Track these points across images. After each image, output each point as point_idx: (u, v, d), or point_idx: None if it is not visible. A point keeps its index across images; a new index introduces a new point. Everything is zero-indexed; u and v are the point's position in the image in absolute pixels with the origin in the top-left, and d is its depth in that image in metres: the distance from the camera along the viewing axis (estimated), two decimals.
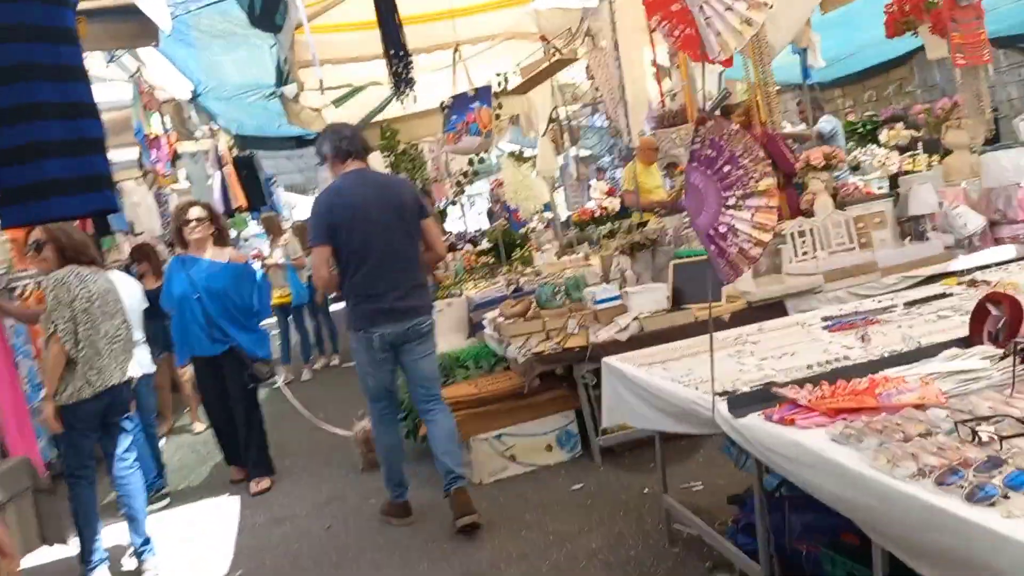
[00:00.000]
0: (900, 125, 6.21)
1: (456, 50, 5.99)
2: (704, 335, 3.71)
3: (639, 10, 5.88)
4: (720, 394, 2.56)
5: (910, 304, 3.41)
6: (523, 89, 6.19)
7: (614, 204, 7.85)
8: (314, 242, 4.14)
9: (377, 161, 10.14)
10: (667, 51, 5.48)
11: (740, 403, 2.43)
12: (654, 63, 5.78)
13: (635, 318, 4.62)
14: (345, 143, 4.21)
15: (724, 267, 2.41)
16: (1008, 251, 4.72)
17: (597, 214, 9.51)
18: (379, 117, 9.38)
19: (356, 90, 8.06)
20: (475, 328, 6.67)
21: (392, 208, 4.14)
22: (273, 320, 11.30)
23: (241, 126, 8.81)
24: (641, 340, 4.53)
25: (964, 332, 2.79)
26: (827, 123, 8.78)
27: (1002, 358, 2.21)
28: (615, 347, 4.51)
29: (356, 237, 4.07)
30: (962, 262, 4.75)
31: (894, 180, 6.42)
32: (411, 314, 4.17)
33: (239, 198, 9.81)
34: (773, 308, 4.64)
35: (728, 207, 2.36)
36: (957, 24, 4.13)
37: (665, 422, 2.98)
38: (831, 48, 7.63)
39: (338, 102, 8.19)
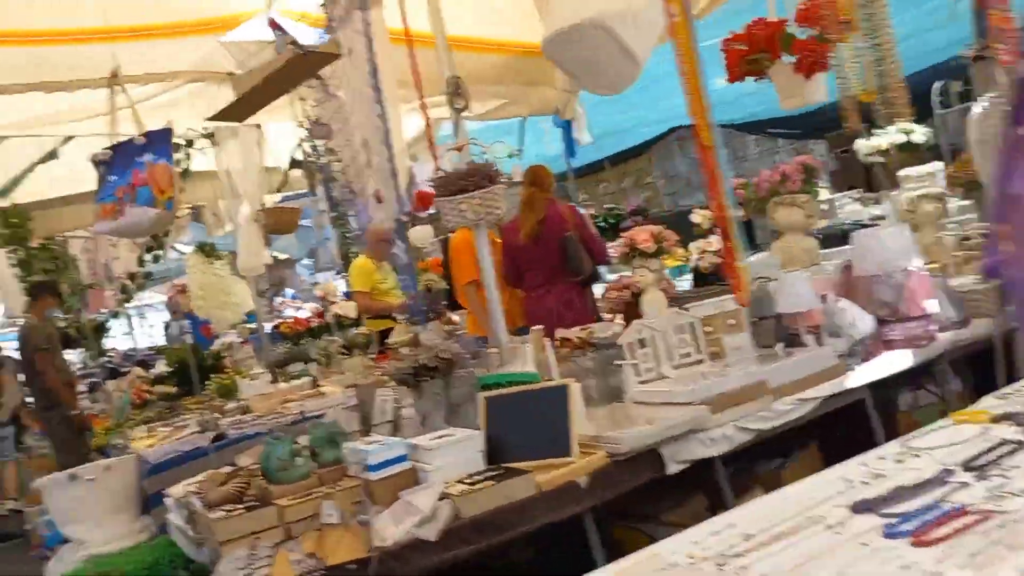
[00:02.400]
0: None
1: (114, 76, 3.83)
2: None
3: (399, 60, 4.25)
4: None
5: (973, 468, 1.95)
6: (237, 113, 4.08)
7: (348, 309, 5.97)
8: None
9: None
10: (449, 100, 3.83)
11: None
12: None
13: (443, 495, 2.75)
14: None
15: None
16: (906, 358, 3.63)
17: (315, 324, 7.75)
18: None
19: None
20: (151, 503, 4.41)
21: None
22: None
23: None
24: (460, 535, 2.67)
25: None
26: None
27: None
28: (419, 553, 2.60)
29: None
30: (860, 375, 3.54)
31: (699, 273, 5.35)
32: None
33: None
34: (644, 460, 3.04)
35: None
36: None
37: None
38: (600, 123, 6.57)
39: None
